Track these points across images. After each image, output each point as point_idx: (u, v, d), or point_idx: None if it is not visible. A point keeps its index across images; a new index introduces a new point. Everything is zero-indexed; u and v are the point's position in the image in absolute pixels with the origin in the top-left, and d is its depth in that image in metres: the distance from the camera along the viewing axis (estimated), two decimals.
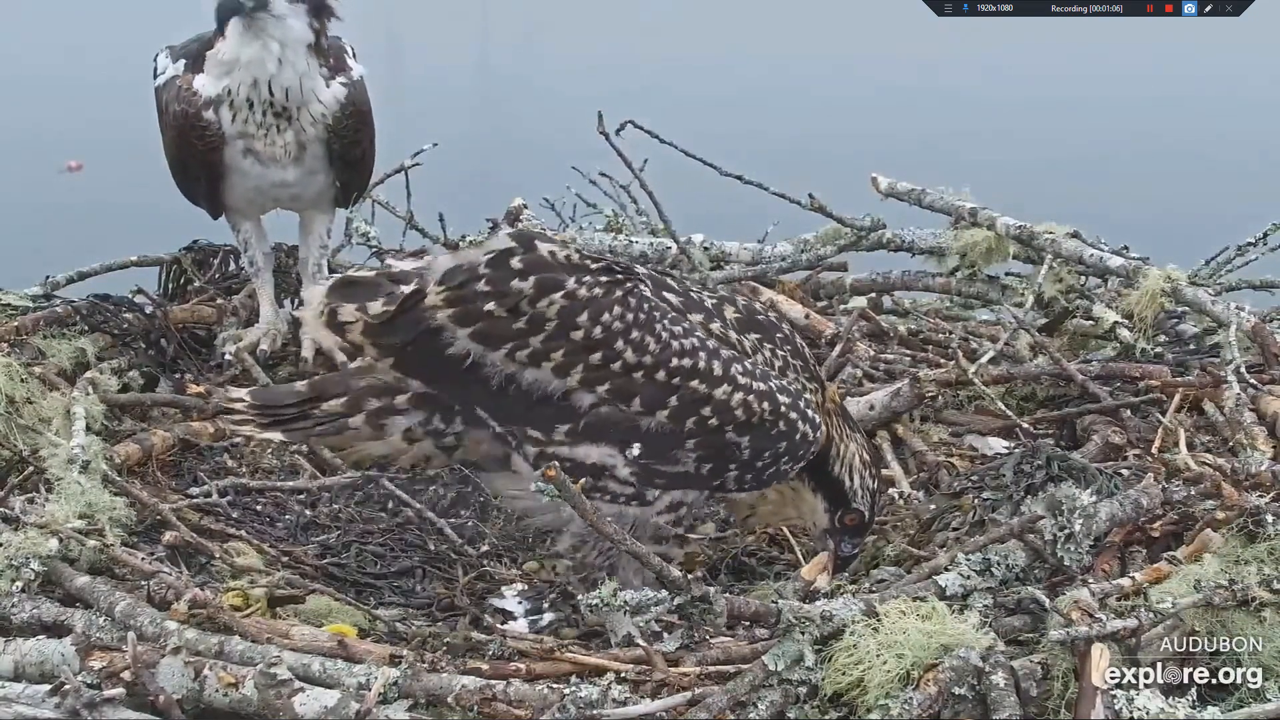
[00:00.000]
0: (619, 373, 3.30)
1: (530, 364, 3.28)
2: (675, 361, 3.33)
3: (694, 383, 3.35)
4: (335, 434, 3.52)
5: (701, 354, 3.36)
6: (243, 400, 3.57)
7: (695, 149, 5.47)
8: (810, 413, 3.50)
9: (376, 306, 3.31)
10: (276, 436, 3.59)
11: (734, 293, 4.25)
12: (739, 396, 3.37)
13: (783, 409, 3.43)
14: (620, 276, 3.35)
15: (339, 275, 3.48)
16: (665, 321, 3.35)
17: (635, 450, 3.35)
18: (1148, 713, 3.00)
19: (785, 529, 4.12)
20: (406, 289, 3.30)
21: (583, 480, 3.18)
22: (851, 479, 3.65)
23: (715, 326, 3.48)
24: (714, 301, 3.57)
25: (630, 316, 3.31)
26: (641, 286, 3.38)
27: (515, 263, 3.28)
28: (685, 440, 3.37)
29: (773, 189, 5.43)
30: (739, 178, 5.40)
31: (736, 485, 3.51)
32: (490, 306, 3.26)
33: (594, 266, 3.34)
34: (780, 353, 3.58)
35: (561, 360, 3.28)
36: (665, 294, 3.47)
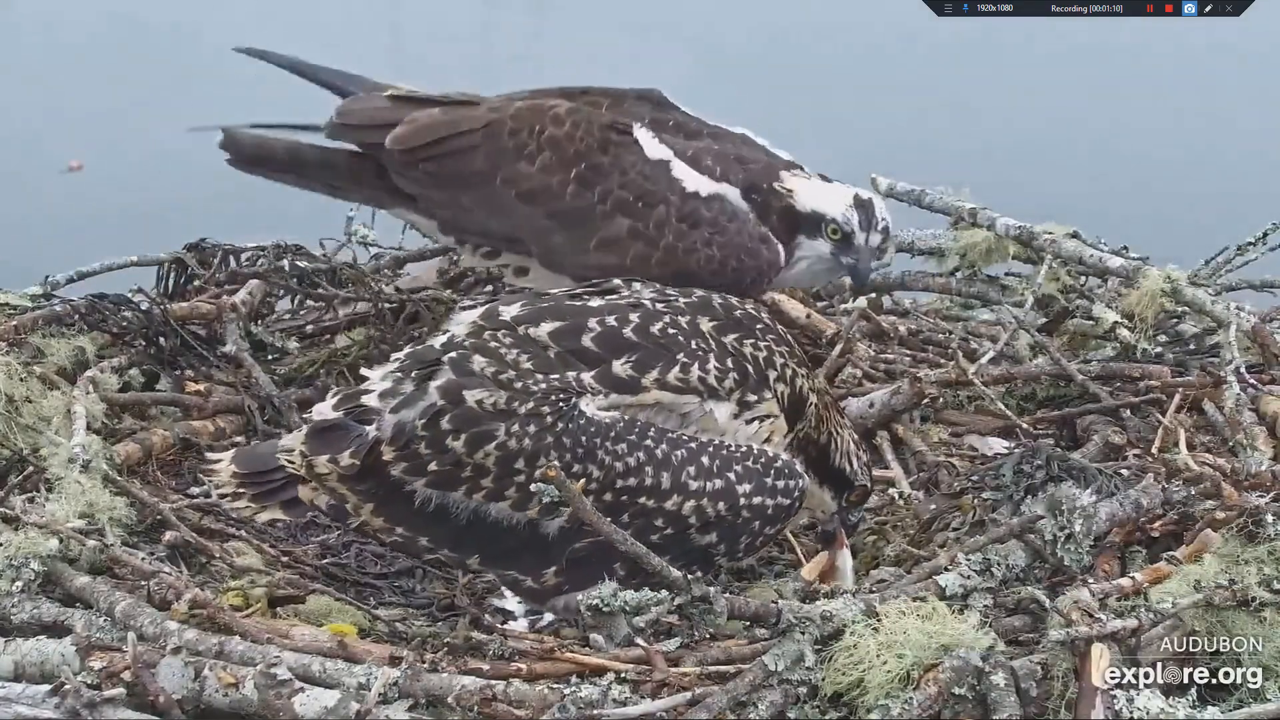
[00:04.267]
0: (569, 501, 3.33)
1: (488, 501, 3.36)
2: (620, 483, 3.36)
3: (642, 499, 3.37)
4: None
5: (648, 470, 3.36)
6: (230, 469, 3.57)
7: None
8: (783, 482, 3.47)
9: (345, 459, 3.40)
10: (278, 515, 3.59)
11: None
12: (690, 504, 3.38)
13: (742, 500, 3.42)
14: (549, 416, 3.33)
15: (310, 422, 3.52)
16: (607, 442, 3.35)
17: (620, 573, 3.34)
18: (1148, 713, 3.01)
19: (786, 529, 4.12)
20: (369, 437, 3.38)
21: None
22: (851, 464, 3.71)
23: (674, 375, 3.41)
24: (688, 319, 3.52)
25: (567, 455, 3.33)
26: (580, 405, 3.35)
27: (445, 423, 3.34)
28: (659, 552, 3.35)
29: None
30: None
31: (734, 563, 3.59)
32: (434, 465, 3.35)
33: (523, 410, 3.33)
34: (764, 344, 3.56)
35: (515, 496, 3.34)
36: (617, 366, 3.40)
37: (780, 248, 4.46)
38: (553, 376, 3.38)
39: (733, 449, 3.46)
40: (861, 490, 3.75)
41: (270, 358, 5.09)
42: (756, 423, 3.53)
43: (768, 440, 3.53)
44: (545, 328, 3.45)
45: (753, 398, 3.50)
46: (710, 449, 3.43)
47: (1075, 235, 5.13)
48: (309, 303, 5.38)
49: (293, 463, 3.47)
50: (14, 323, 4.68)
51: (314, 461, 3.43)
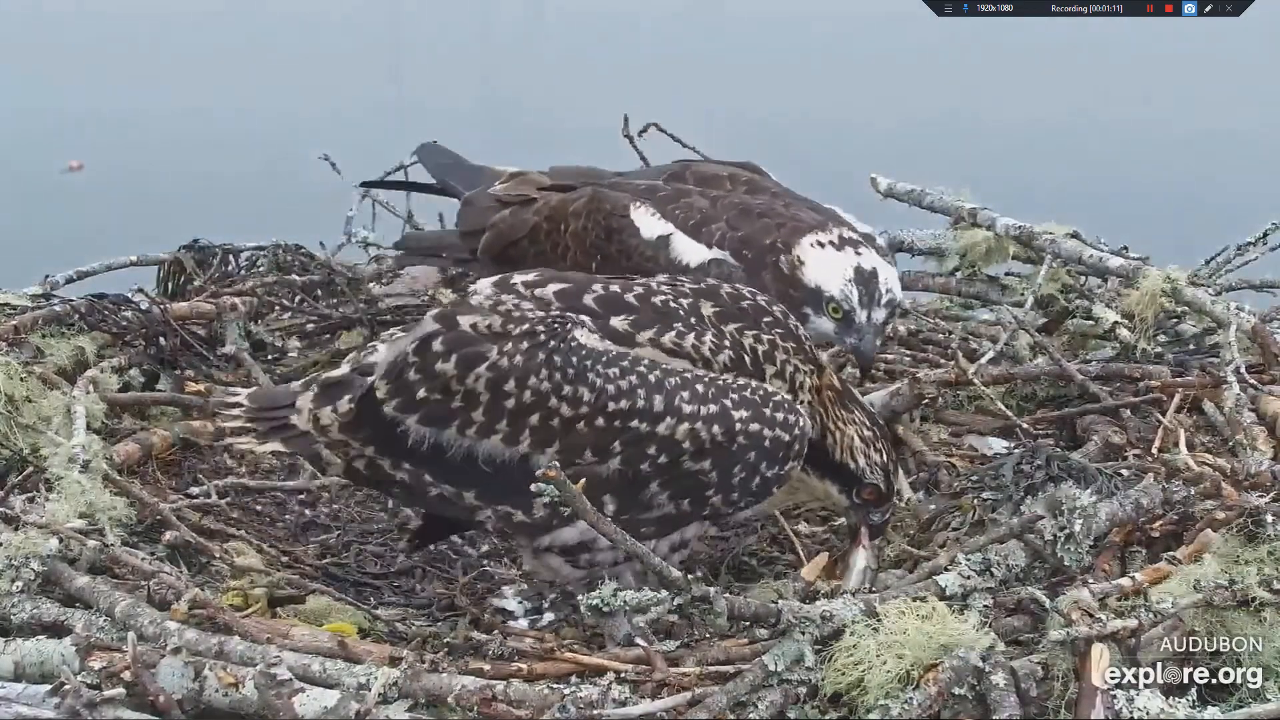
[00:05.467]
0: (560, 429, 3.31)
1: (481, 437, 3.34)
2: (612, 405, 3.31)
3: (634, 423, 3.32)
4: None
5: (640, 390, 3.32)
6: (242, 403, 3.61)
7: (714, 152, 5.44)
8: (781, 415, 3.42)
9: (344, 405, 3.43)
10: (278, 447, 3.60)
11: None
12: (684, 428, 3.33)
13: (738, 425, 3.37)
14: (543, 335, 3.34)
15: (319, 380, 3.55)
16: (599, 366, 3.33)
17: (611, 507, 3.33)
18: (1148, 713, 3.00)
19: (787, 529, 4.13)
20: (367, 383, 3.40)
21: (581, 556, 3.42)
22: (855, 460, 3.62)
23: (669, 338, 3.41)
24: (689, 300, 3.52)
25: (558, 374, 3.31)
26: (574, 332, 3.35)
27: (437, 345, 3.35)
28: (649, 483, 3.35)
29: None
30: None
31: (729, 507, 3.47)
32: (423, 392, 3.34)
33: (517, 331, 3.34)
34: (767, 337, 3.53)
35: (507, 429, 3.32)
36: (614, 320, 3.42)
37: (766, 280, 4.22)
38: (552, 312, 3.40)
39: (729, 380, 3.42)
40: (872, 489, 3.65)
41: (270, 358, 5.09)
42: None
43: None
44: (551, 288, 3.48)
45: None
46: (705, 379, 3.39)
47: (1075, 235, 5.14)
48: (307, 305, 5.39)
49: (301, 421, 3.50)
50: (14, 323, 4.68)
51: (318, 415, 3.46)
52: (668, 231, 4.41)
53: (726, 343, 3.47)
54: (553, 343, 3.34)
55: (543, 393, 3.31)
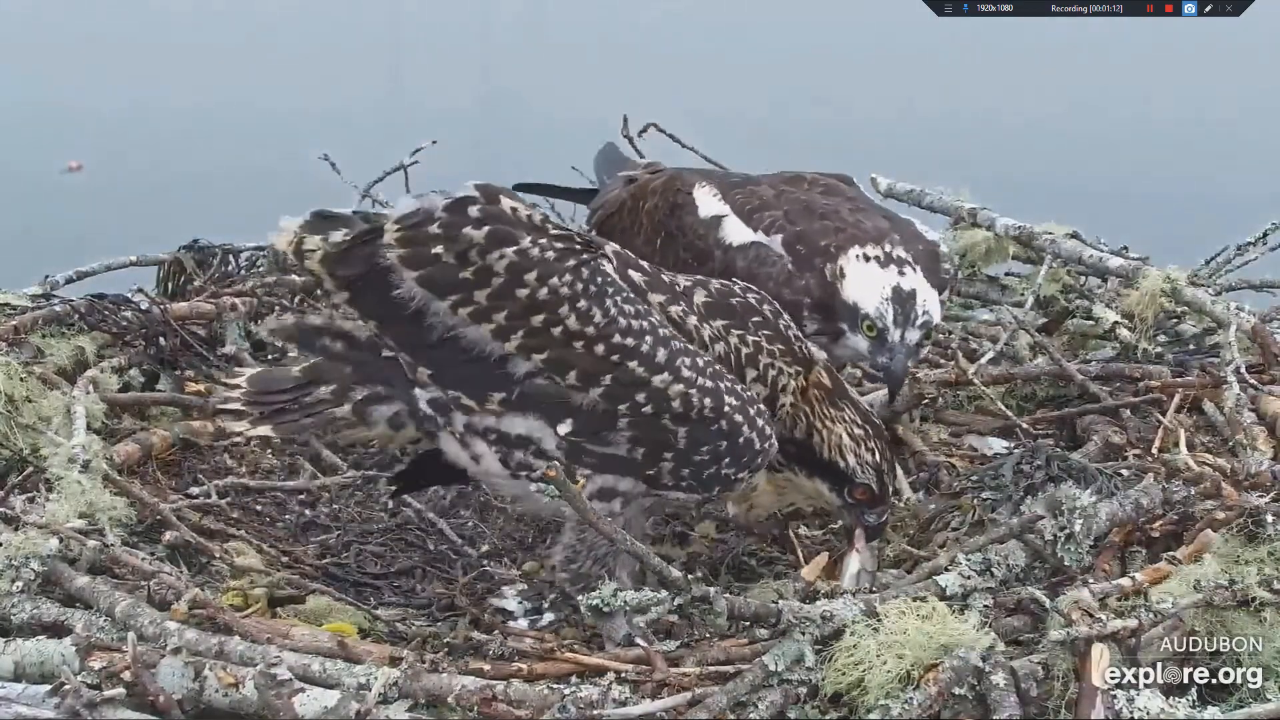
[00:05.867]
0: (559, 340, 3.24)
1: (472, 321, 3.24)
2: (617, 338, 3.27)
3: (632, 364, 3.28)
4: (325, 424, 3.51)
5: (648, 337, 3.29)
6: (241, 385, 3.57)
7: (713, 152, 5.45)
8: (760, 422, 3.42)
9: (336, 236, 3.29)
10: (268, 432, 3.55)
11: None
12: (678, 388, 3.30)
13: (727, 409, 3.35)
14: (578, 247, 3.29)
15: (312, 210, 3.40)
16: (618, 298, 3.29)
17: (566, 427, 3.30)
18: (1148, 713, 3.00)
19: (790, 531, 4.12)
20: (373, 225, 3.29)
21: (515, 453, 3.32)
22: (845, 458, 3.60)
23: (676, 310, 3.42)
24: (687, 284, 3.53)
25: (580, 285, 3.25)
26: (602, 261, 3.33)
27: (473, 211, 3.24)
28: (618, 420, 3.31)
29: None
30: None
31: (673, 480, 3.41)
32: (439, 250, 3.22)
33: (554, 232, 3.29)
34: (752, 338, 3.52)
35: (504, 323, 3.24)
36: (631, 272, 3.42)
37: (810, 284, 4.23)
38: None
39: (728, 374, 3.41)
40: (864, 488, 3.62)
41: (270, 358, 5.08)
42: None
43: None
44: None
45: None
46: (707, 357, 3.39)
47: (1075, 235, 5.14)
48: (308, 305, 5.38)
49: (280, 242, 3.36)
50: (14, 323, 4.68)
51: (303, 239, 3.32)
52: (722, 213, 4.41)
53: (707, 337, 3.48)
54: (585, 255, 3.29)
55: (559, 296, 3.23)
